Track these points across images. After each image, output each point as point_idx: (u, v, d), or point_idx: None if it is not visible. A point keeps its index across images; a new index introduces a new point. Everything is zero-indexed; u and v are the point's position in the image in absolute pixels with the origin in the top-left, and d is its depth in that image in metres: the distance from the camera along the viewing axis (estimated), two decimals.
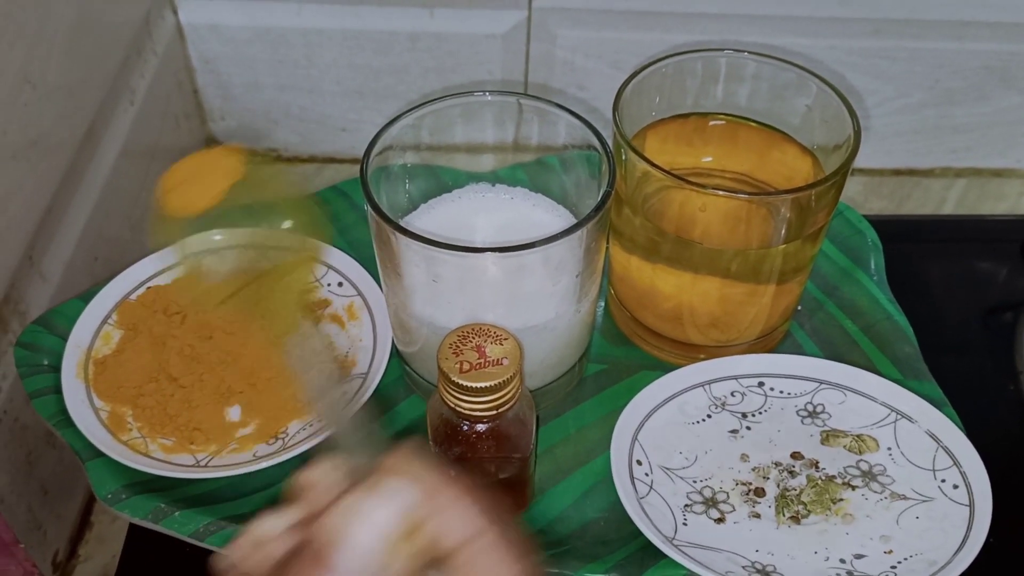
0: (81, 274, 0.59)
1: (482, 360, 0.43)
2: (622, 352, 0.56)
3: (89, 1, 0.59)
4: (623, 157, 0.49)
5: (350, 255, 0.57)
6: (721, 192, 0.47)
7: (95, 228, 0.61)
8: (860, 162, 0.78)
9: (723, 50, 0.53)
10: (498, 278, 0.46)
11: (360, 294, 0.55)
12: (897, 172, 0.78)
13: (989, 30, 0.71)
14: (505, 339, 0.43)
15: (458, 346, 0.43)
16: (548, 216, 0.53)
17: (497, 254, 0.44)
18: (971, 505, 0.46)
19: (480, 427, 0.44)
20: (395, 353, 0.53)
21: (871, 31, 0.70)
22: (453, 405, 0.43)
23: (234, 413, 0.51)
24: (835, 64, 0.72)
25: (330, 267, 0.57)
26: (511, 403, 0.43)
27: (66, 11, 0.56)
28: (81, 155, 0.60)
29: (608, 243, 0.54)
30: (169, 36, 0.71)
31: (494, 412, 0.43)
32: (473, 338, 0.43)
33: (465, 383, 0.42)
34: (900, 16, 0.70)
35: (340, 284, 0.56)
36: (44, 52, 0.54)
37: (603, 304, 0.58)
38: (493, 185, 0.55)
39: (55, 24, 0.55)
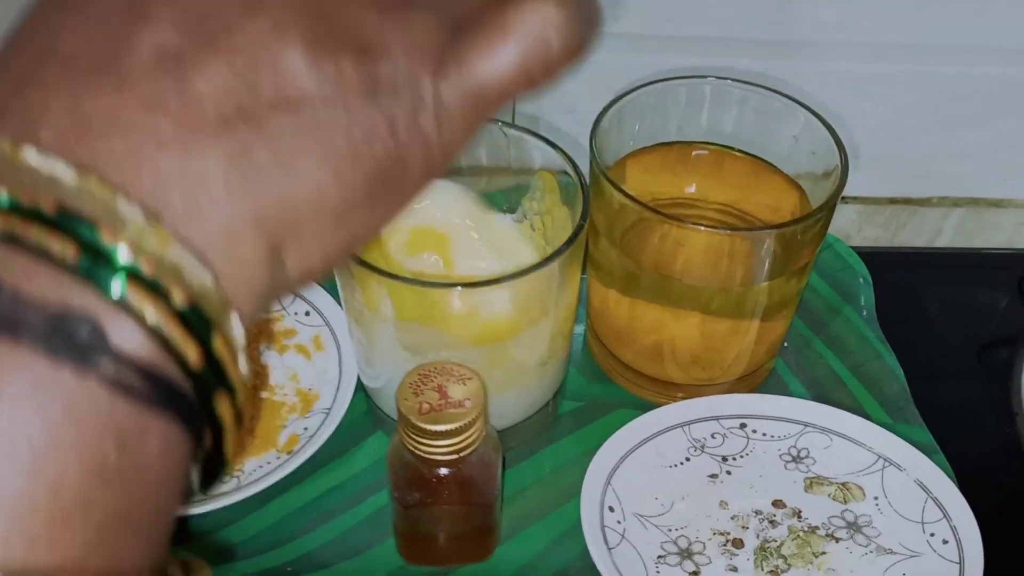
0: None
1: (443, 401, 0.40)
2: (599, 389, 0.53)
3: None
4: (600, 188, 0.47)
5: (319, 283, 0.55)
6: (701, 227, 0.45)
7: None
8: (855, 190, 0.75)
9: (707, 77, 0.51)
10: (464, 313, 0.44)
11: (327, 324, 0.53)
12: (893, 200, 0.76)
13: (991, 55, 0.68)
14: (469, 379, 0.41)
15: (419, 385, 0.41)
16: (522, 244, 0.51)
17: (463, 289, 0.42)
18: (961, 563, 0.43)
19: (441, 471, 0.42)
20: (361, 387, 0.51)
21: (870, 55, 0.68)
22: (412, 447, 0.41)
23: None
24: (832, 89, 0.69)
25: (297, 295, 0.54)
26: (473, 447, 0.41)
27: None
28: None
29: (586, 275, 0.52)
30: None
31: (455, 456, 0.41)
32: (435, 377, 0.41)
33: (424, 425, 0.40)
34: (899, 40, 0.68)
35: (307, 313, 0.54)
36: None
37: (582, 338, 0.56)
38: None
39: None
